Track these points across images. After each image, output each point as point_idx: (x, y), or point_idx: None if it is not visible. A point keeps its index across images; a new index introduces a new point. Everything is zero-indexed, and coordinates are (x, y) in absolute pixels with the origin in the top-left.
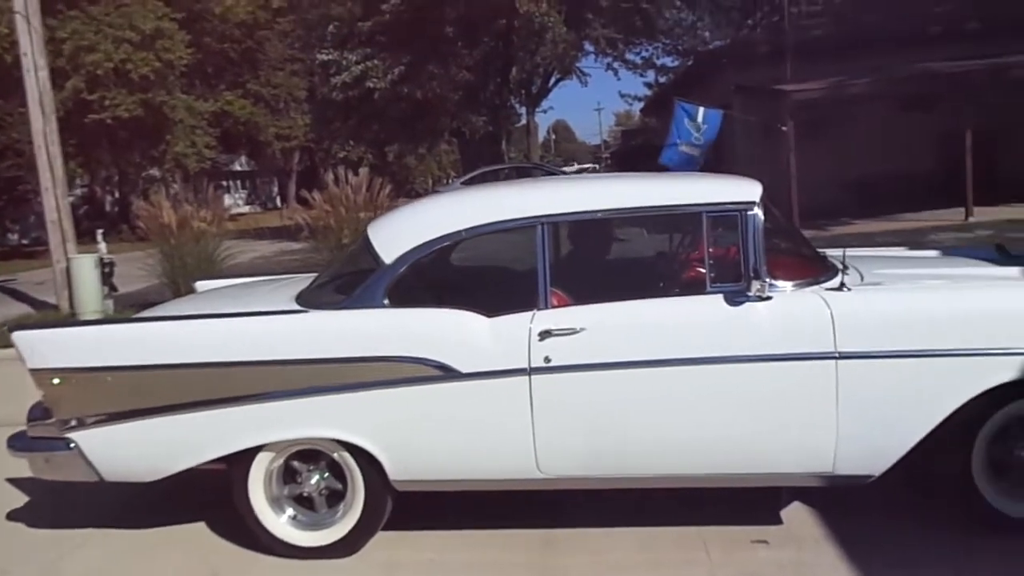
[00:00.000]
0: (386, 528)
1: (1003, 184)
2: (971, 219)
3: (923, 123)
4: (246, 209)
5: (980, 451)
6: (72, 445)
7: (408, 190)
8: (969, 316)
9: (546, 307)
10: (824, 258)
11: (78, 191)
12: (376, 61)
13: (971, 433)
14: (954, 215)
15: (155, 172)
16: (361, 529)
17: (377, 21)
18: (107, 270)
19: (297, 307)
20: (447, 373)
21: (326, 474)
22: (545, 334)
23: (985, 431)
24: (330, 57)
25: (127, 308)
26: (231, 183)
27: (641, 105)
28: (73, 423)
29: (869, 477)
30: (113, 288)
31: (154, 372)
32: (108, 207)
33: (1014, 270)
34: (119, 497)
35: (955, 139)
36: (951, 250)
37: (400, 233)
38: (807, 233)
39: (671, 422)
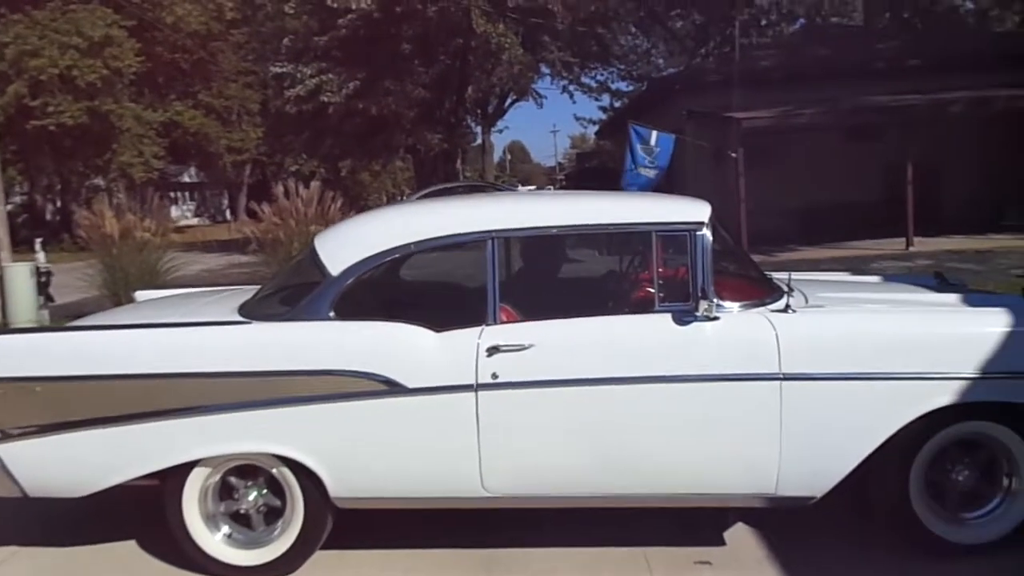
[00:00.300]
0: (325, 547)
1: (943, 216)
2: (912, 249)
3: (867, 154)
4: (195, 221)
5: (917, 475)
6: None
7: (362, 206)
8: (909, 340)
9: (495, 323)
10: (770, 280)
11: (17, 199)
12: (331, 75)
13: (909, 457)
14: (896, 244)
15: (99, 181)
16: (300, 547)
17: (333, 36)
18: (44, 279)
19: (240, 318)
20: (392, 388)
21: (264, 490)
22: (493, 350)
23: (922, 455)
24: (284, 70)
25: (63, 319)
26: (180, 194)
27: (596, 128)
28: None
29: (811, 499)
30: (50, 298)
31: (86, 383)
32: (49, 216)
33: (952, 297)
34: (44, 513)
35: (898, 171)
36: (892, 277)
37: (348, 245)
38: (754, 259)
39: (617, 441)
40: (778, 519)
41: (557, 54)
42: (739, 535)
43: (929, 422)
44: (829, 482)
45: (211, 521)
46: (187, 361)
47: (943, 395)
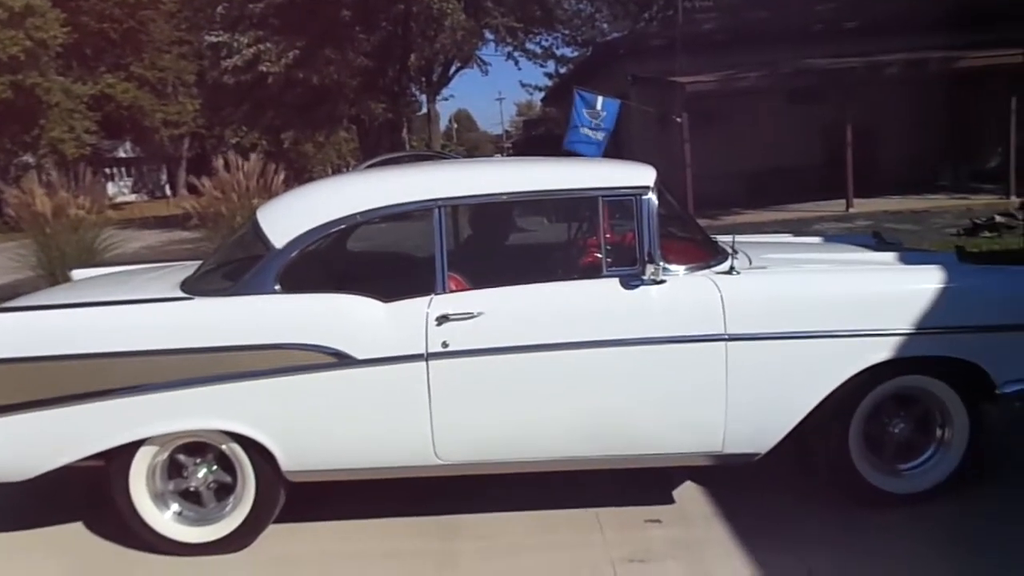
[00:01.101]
0: (278, 520)
1: (882, 177)
2: (851, 210)
3: (808, 117)
4: (132, 198)
5: (857, 429)
6: None
7: (306, 178)
8: (849, 299)
9: (443, 291)
10: (715, 243)
11: None
12: (269, 44)
13: (849, 411)
14: (836, 206)
15: (28, 158)
16: (252, 523)
17: (269, 3)
18: None
19: (182, 294)
20: (341, 360)
21: (214, 467)
22: (442, 319)
23: (861, 409)
24: (220, 39)
25: None
26: (115, 170)
27: (542, 95)
28: None
29: (756, 455)
30: None
31: (25, 365)
32: None
33: (888, 255)
34: None
35: (838, 133)
36: (832, 237)
37: (292, 217)
38: (700, 222)
39: (567, 406)
40: (725, 476)
41: (500, 19)
42: (687, 493)
43: (868, 377)
44: (773, 439)
45: (160, 500)
46: (129, 339)
47: (881, 351)
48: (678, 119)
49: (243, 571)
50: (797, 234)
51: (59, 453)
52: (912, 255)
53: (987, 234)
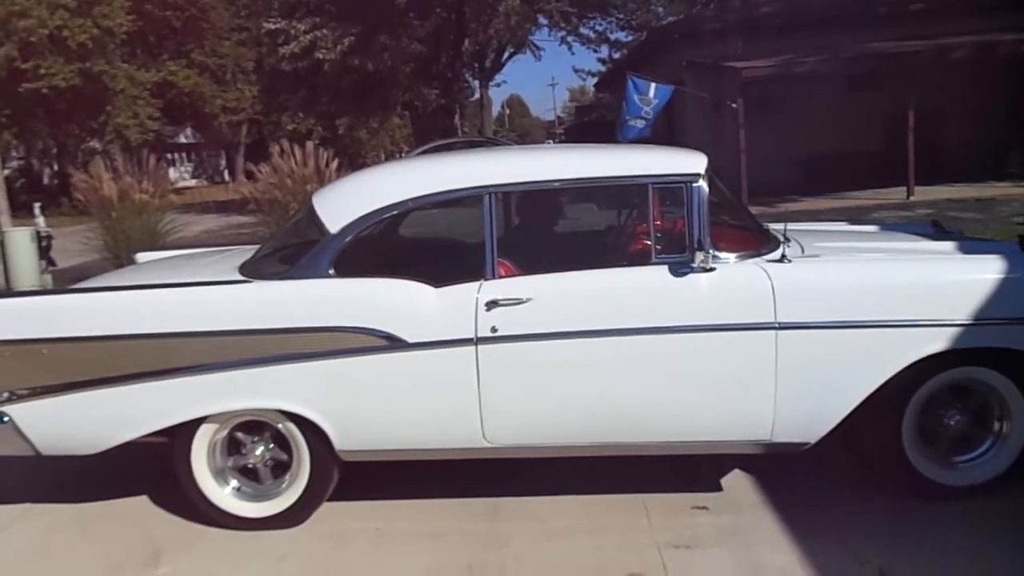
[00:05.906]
0: (332, 498)
1: (946, 164)
2: (912, 198)
3: (869, 102)
4: (192, 183)
5: (910, 420)
6: (6, 419)
7: (360, 164)
8: (903, 288)
9: (493, 277)
10: (766, 231)
11: (14, 163)
12: (325, 31)
13: (902, 402)
14: (897, 193)
15: (95, 144)
16: (307, 499)
17: None
18: (44, 244)
19: (241, 277)
20: (393, 343)
21: (271, 445)
22: (492, 304)
23: (915, 400)
24: (278, 26)
25: (66, 282)
26: (176, 156)
27: (595, 81)
28: (6, 396)
29: (805, 444)
30: (51, 262)
31: (93, 344)
32: (46, 180)
33: (947, 245)
34: (57, 471)
35: (899, 118)
36: (888, 225)
37: (346, 202)
38: (755, 210)
39: (614, 391)
40: (774, 465)
41: (555, 4)
42: (735, 481)
43: (923, 368)
44: (823, 428)
45: (220, 475)
46: (190, 320)
47: (937, 342)
48: (733, 105)
49: (298, 546)
50: (853, 222)
51: (125, 428)
52: (971, 244)
53: None
